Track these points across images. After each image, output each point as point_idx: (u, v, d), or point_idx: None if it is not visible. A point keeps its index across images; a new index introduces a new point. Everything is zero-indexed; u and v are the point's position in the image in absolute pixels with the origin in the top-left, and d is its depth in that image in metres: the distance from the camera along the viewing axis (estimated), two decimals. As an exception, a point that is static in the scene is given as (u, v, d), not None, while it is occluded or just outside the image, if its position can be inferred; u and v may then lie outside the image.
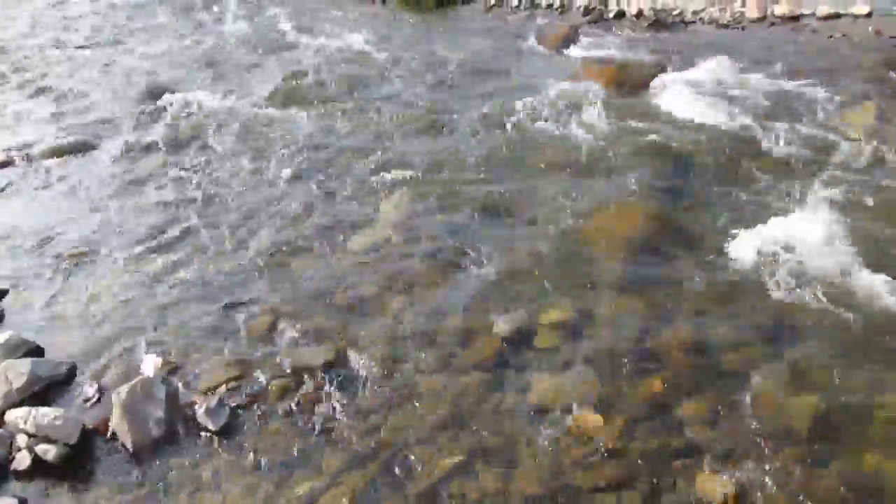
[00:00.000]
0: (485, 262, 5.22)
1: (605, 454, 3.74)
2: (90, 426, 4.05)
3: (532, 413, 4.00)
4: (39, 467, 3.86)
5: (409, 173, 6.40)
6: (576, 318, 4.63)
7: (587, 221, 5.57)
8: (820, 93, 7.20)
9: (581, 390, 4.09)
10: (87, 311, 5.04)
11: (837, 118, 6.74)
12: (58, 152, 7.31)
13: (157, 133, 7.56)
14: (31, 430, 3.96)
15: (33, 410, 4.04)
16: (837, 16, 9.08)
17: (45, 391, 4.32)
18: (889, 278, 4.73)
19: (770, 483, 3.55)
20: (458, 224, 5.68)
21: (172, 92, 8.50)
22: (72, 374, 4.47)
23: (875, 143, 6.28)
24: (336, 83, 8.51)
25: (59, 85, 9.13)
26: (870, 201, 5.51)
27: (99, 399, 4.26)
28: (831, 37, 8.57)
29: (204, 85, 8.74)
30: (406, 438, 3.91)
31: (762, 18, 9.30)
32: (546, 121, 7.06)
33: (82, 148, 7.39)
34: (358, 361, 4.42)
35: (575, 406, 3.98)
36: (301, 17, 11.11)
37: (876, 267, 4.83)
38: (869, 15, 8.98)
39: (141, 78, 9.18)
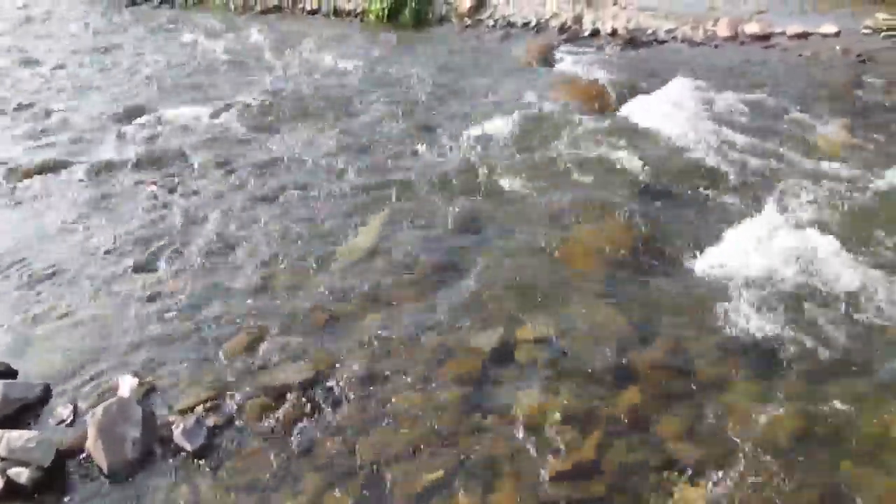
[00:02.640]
0: (464, 278, 5.23)
1: (585, 469, 3.75)
2: (64, 448, 3.98)
3: (512, 429, 4.00)
4: (12, 491, 3.78)
5: (388, 191, 6.41)
6: (555, 333, 4.66)
7: (565, 238, 5.61)
8: (790, 110, 7.33)
9: (560, 405, 4.10)
10: (62, 332, 4.98)
11: (808, 135, 6.87)
12: (32, 171, 7.24)
13: (133, 151, 7.52)
14: (4, 453, 3.88)
15: (6, 433, 3.96)
16: (806, 35, 9.27)
17: (17, 413, 4.25)
18: (864, 291, 4.81)
19: (747, 497, 3.58)
20: (437, 241, 5.70)
21: (149, 110, 8.46)
22: (46, 395, 4.40)
23: (845, 159, 6.41)
24: (314, 101, 8.52)
25: (34, 103, 9.05)
26: (842, 217, 5.61)
27: (73, 421, 4.20)
28: (801, 55, 8.74)
29: (180, 103, 8.71)
30: (386, 456, 3.89)
31: (734, 37, 9.46)
32: (523, 138, 7.12)
33: (57, 167, 7.32)
34: (337, 379, 4.40)
35: (554, 421, 4.00)
36: (278, 35, 11.13)
37: (850, 280, 4.92)
38: (837, 34, 9.18)
39: (117, 96, 9.14)
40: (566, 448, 3.86)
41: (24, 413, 4.27)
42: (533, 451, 3.85)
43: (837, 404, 4.05)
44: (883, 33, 9.06)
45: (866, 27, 9.24)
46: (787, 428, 3.93)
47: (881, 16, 9.40)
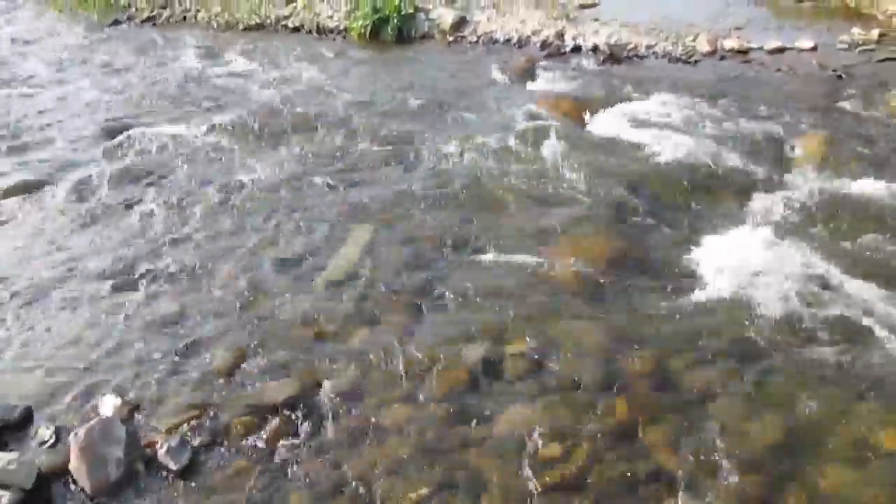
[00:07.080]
0: (449, 293, 5.23)
1: (572, 482, 3.75)
2: (47, 470, 3.93)
3: (499, 443, 4.00)
4: (-7, 514, 3.74)
5: (372, 208, 6.41)
6: (541, 347, 4.66)
7: (549, 251, 5.63)
8: (769, 123, 7.43)
9: (547, 419, 4.10)
10: (43, 352, 4.92)
11: (787, 148, 6.96)
12: (11, 191, 7.17)
13: (114, 170, 7.47)
14: (-16, 476, 3.83)
15: (-14, 455, 3.92)
16: (783, 50, 9.42)
17: (-3, 435, 4.20)
18: (847, 300, 4.86)
19: (734, 506, 3.59)
20: (421, 257, 5.70)
21: (130, 128, 8.42)
22: (26, 416, 4.34)
23: (823, 171, 6.50)
24: (297, 118, 8.52)
25: (11, 122, 8.98)
26: (822, 226, 5.68)
27: (55, 442, 4.15)
28: (778, 69, 8.87)
29: (163, 121, 8.68)
30: (372, 473, 3.87)
31: (713, 52, 9.59)
32: (505, 153, 7.16)
33: (37, 186, 7.25)
34: (322, 396, 4.38)
35: (541, 435, 4.00)
36: (261, 54, 11.14)
37: (833, 289, 4.97)
38: (814, 49, 9.34)
39: (98, 115, 9.08)
40: (553, 462, 3.86)
41: (5, 434, 4.21)
42: (520, 466, 3.85)
43: (822, 414, 4.08)
44: (858, 48, 9.22)
45: (842, 42, 9.41)
46: (774, 438, 3.95)
47: (856, 31, 9.58)
